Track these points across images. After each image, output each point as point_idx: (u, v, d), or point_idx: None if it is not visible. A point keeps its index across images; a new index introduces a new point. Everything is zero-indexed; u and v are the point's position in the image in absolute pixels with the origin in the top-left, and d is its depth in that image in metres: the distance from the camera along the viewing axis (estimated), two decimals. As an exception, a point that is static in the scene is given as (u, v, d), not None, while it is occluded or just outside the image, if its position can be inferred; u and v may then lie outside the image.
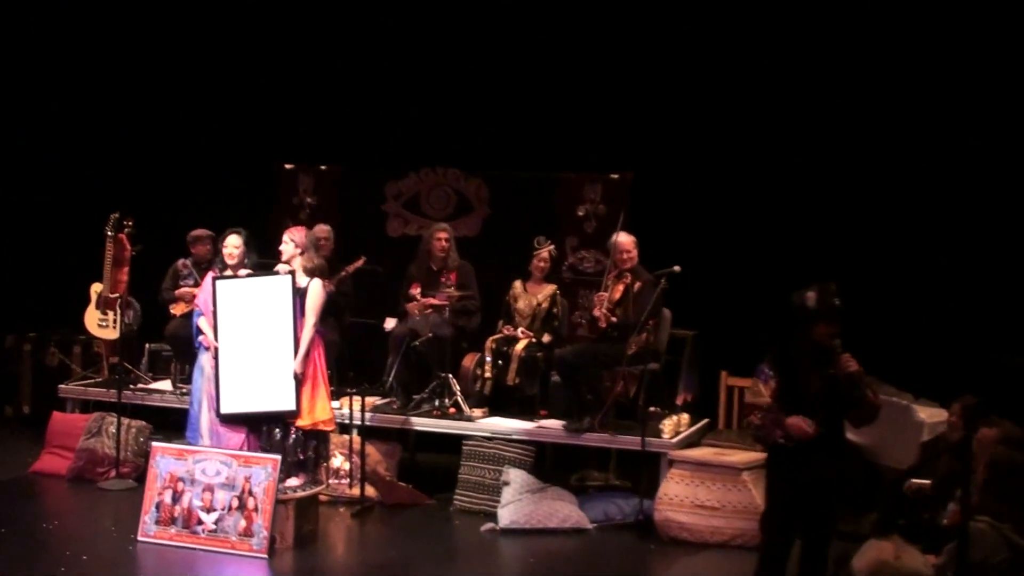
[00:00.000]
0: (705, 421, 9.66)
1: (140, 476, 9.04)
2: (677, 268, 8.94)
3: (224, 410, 8.36)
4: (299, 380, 8.24)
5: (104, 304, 10.33)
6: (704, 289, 9.82)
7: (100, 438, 9.61)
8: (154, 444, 8.36)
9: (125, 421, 9.57)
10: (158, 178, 11.76)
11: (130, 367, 10.39)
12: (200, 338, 8.56)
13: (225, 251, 8.55)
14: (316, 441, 8.42)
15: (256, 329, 8.35)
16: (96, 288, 10.36)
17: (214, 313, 8.42)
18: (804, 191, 9.95)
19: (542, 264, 9.80)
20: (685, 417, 9.32)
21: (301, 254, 8.46)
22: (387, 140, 11.30)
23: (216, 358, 8.40)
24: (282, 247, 8.49)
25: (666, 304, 9.33)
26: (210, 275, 8.67)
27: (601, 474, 9.71)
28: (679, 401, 9.65)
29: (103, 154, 11.91)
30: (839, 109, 9.88)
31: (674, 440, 8.93)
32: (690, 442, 9.14)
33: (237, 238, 8.66)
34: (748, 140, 10.16)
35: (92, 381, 10.66)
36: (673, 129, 10.36)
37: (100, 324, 10.40)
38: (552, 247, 9.86)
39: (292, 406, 8.24)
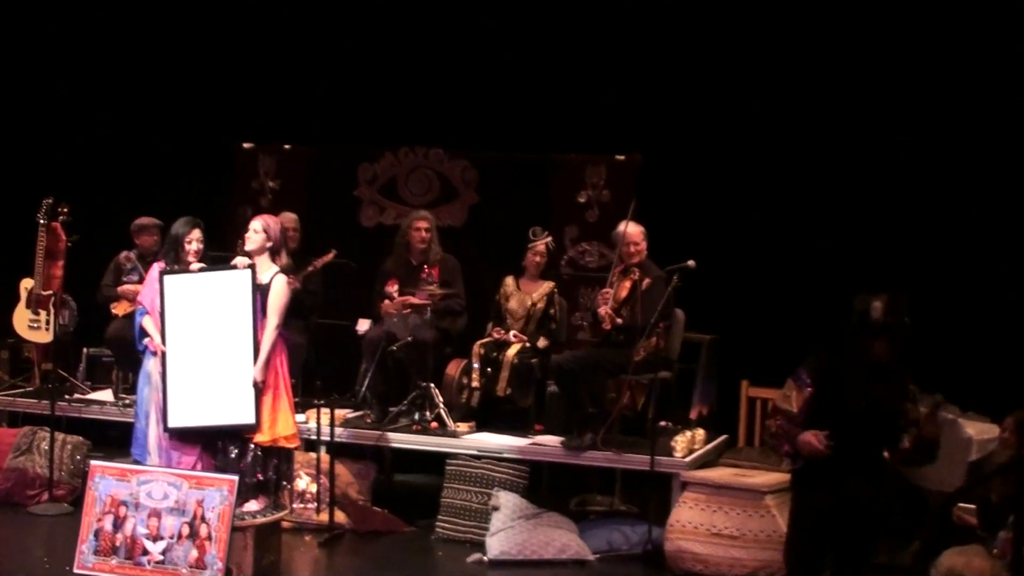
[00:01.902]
0: (723, 438, 9.68)
1: (77, 500, 9.04)
2: (692, 263, 8.93)
3: (172, 423, 8.31)
4: (259, 390, 8.20)
5: (35, 303, 10.30)
6: (723, 287, 9.84)
7: (31, 456, 9.60)
8: (92, 463, 8.29)
9: (59, 436, 9.55)
10: (97, 159, 11.72)
11: (65, 375, 10.39)
12: (145, 341, 8.51)
13: (189, 247, 8.48)
14: (278, 460, 8.36)
15: (210, 331, 8.28)
16: (26, 284, 10.34)
17: (161, 312, 8.39)
18: (840, 177, 9.95)
19: (537, 258, 9.81)
20: (700, 433, 9.33)
21: (271, 248, 8.46)
22: (360, 116, 11.29)
23: (164, 364, 8.39)
24: (249, 234, 8.39)
25: (679, 304, 9.34)
26: (156, 267, 8.60)
27: (605, 498, 9.73)
28: (694, 415, 9.66)
29: (33, 131, 11.86)
30: (889, 80, 9.83)
31: (688, 459, 8.93)
32: (706, 461, 9.15)
33: (200, 232, 8.63)
34: (775, 115, 10.14)
35: (21, 391, 10.63)
36: (686, 104, 10.35)
37: (31, 325, 10.38)
38: (549, 239, 9.87)
39: (251, 419, 8.19)
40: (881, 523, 6.44)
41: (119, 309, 10.06)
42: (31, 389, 10.65)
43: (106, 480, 8.04)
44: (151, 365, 8.48)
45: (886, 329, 6.21)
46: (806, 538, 6.41)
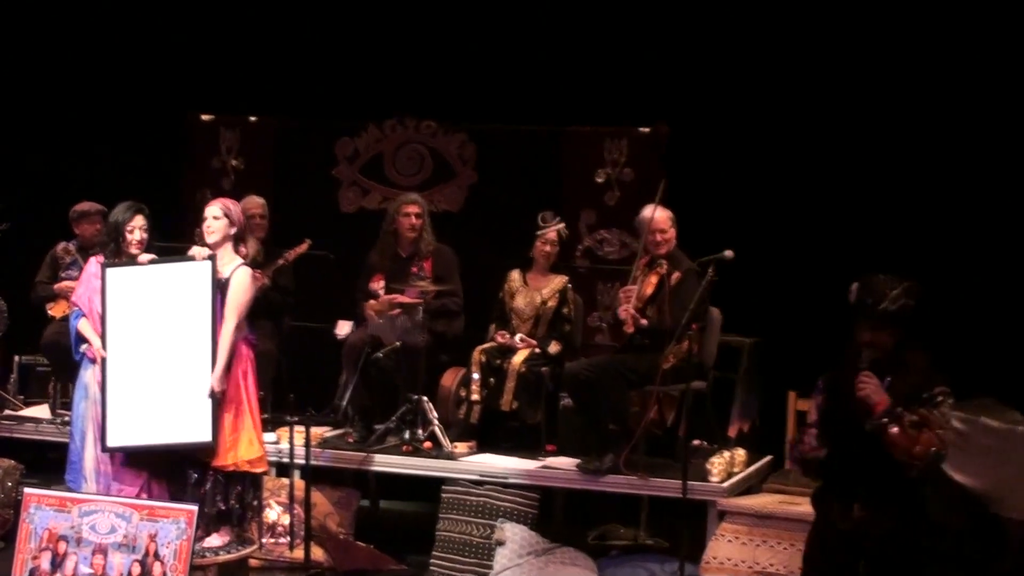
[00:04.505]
0: (767, 459, 9.69)
1: (9, 533, 9.02)
2: (729, 253, 8.89)
3: (112, 442, 8.30)
4: (217, 402, 8.20)
5: (-43, 304, 10.34)
6: (766, 281, 9.88)
7: (-47, 483, 9.62)
8: (27, 491, 8.25)
9: (-13, 460, 9.58)
10: (29, 134, 11.71)
11: (-7, 387, 10.42)
12: (83, 347, 8.51)
13: (132, 236, 8.47)
14: (243, 486, 8.39)
15: (160, 333, 8.27)
16: (-54, 282, 10.37)
17: (103, 311, 8.35)
18: (905, 147, 9.92)
19: (547, 248, 9.81)
20: (740, 453, 9.33)
21: (234, 236, 8.44)
22: (339, 82, 11.30)
23: (104, 373, 8.36)
24: (209, 223, 8.39)
25: (715, 302, 9.33)
26: (93, 261, 8.59)
27: (628, 530, 9.71)
28: (733, 432, 9.69)
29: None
30: (959, 37, 9.79)
31: (726, 484, 8.93)
32: (748, 487, 9.17)
33: (144, 218, 8.61)
34: (829, 77, 10.08)
35: (-58, 407, 10.66)
36: (721, 66, 10.33)
37: (-48, 330, 10.42)
38: (562, 225, 9.87)
39: (206, 437, 8.19)
40: (910, 565, 6.37)
41: (56, 310, 10.12)
42: (-47, 404, 10.65)
43: (43, 511, 8.01)
44: (89, 375, 8.47)
45: (859, 313, 6.32)
46: (818, 571, 6.47)
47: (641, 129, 10.80)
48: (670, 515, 9.23)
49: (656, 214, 9.19)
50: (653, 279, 9.15)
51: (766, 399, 9.86)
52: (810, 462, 6.44)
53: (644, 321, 9.06)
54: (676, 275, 9.11)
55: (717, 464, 9.00)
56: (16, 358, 10.85)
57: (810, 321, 9.76)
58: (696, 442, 9.36)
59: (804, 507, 8.44)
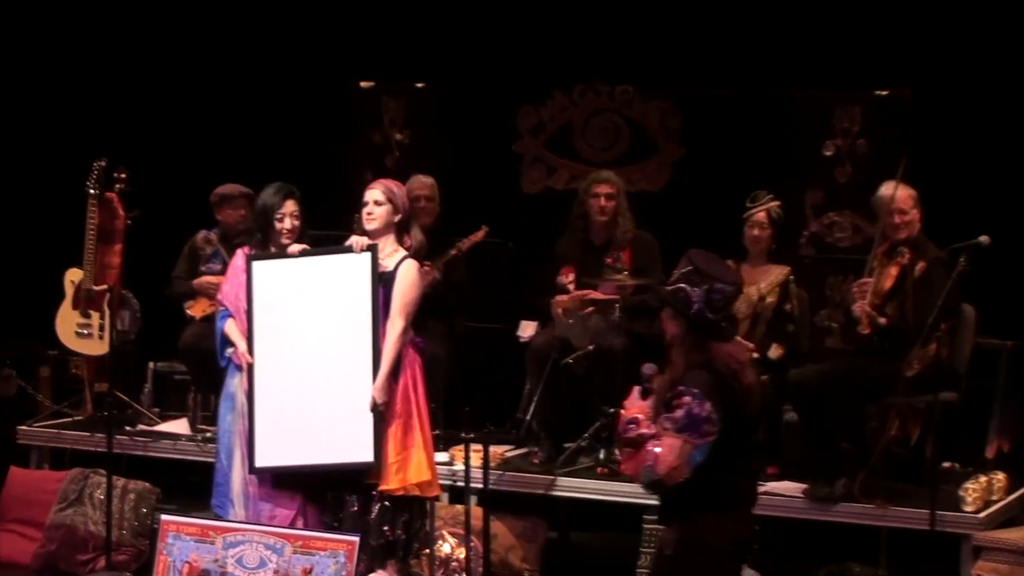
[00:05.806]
0: (1034, 484, 9.57)
1: (144, 567, 9.17)
2: (985, 239, 8.77)
3: (260, 462, 8.41)
4: (380, 416, 8.25)
5: (86, 301, 10.50)
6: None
7: (82, 508, 9.75)
8: (164, 518, 8.41)
9: (120, 482, 9.69)
10: (165, 108, 11.93)
11: (126, 398, 10.57)
12: (229, 352, 8.59)
13: (282, 224, 8.54)
14: (411, 514, 8.45)
15: (314, 336, 8.39)
16: (73, 277, 10.55)
17: (248, 311, 8.45)
18: None
19: (756, 232, 9.72)
20: (1000, 478, 9.20)
21: (398, 224, 8.44)
22: (520, 41, 11.33)
23: (251, 382, 8.44)
24: (369, 209, 8.43)
25: (968, 297, 9.19)
26: (240, 254, 8.70)
27: (865, 568, 9.49)
28: (991, 452, 9.54)
29: (82, 71, 12.07)
30: None
31: (983, 515, 8.80)
32: (1009, 518, 9.04)
33: (296, 203, 8.65)
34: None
35: (69, 420, 10.83)
36: (974, 17, 10.18)
37: (80, 332, 10.56)
38: (774, 204, 9.74)
39: (367, 456, 8.26)
40: None
41: (196, 309, 10.26)
42: (81, 418, 10.84)
43: (183, 541, 8.14)
44: (236, 384, 8.59)
45: None
46: None
47: (879, 93, 10.71)
48: (915, 551, 9.14)
49: (897, 192, 9.05)
50: (893, 271, 9.04)
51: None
52: None
53: (883, 320, 8.95)
54: (921, 265, 8.98)
55: (972, 490, 8.87)
56: (151, 365, 11.06)
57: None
58: (946, 464, 9.26)
59: (1077, 542, 8.40)
